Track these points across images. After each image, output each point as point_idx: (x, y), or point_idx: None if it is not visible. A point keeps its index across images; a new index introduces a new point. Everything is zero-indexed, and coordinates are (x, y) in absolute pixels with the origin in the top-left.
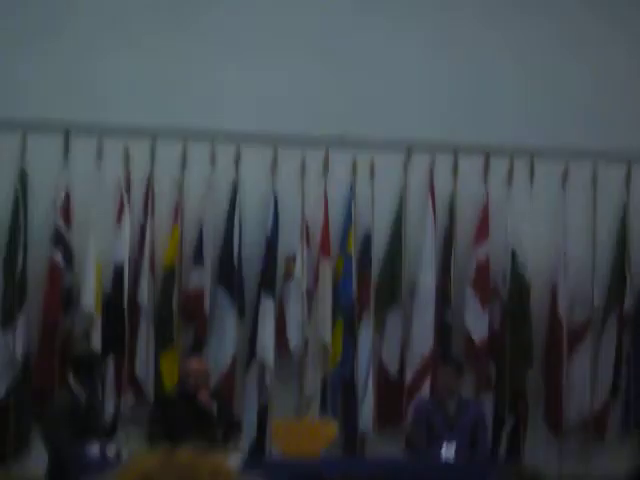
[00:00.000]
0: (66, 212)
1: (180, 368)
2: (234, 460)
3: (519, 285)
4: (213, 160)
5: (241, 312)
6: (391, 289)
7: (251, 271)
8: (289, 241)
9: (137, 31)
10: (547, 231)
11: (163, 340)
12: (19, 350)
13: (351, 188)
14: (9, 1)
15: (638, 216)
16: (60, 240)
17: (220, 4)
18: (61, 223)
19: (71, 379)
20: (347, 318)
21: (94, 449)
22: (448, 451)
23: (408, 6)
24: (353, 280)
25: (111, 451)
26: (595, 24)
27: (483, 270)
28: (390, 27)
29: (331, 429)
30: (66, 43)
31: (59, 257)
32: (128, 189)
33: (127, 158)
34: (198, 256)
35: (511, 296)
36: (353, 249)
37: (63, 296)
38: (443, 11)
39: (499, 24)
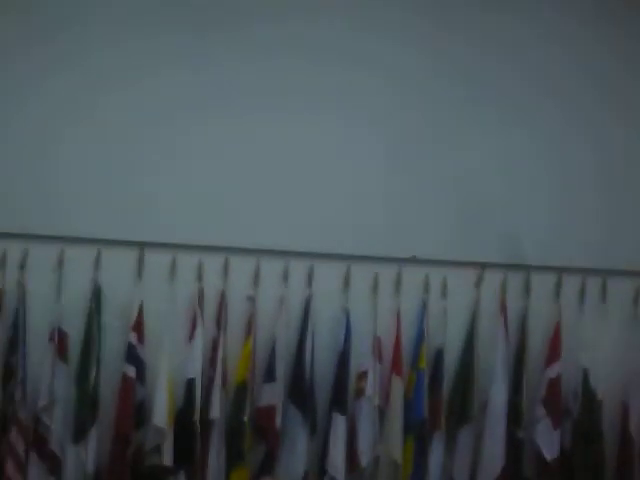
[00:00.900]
0: (139, 328)
1: None
2: None
3: (590, 404)
4: (286, 276)
5: (313, 428)
6: (463, 406)
7: (323, 386)
8: (361, 357)
9: (218, 155)
10: (619, 350)
11: (234, 455)
12: (91, 465)
13: (423, 304)
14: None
15: None
16: (133, 355)
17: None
18: (134, 339)
19: None
20: (418, 435)
21: None
22: None
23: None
24: (424, 396)
25: None
26: None
27: (555, 388)
28: (463, 154)
29: None
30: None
31: (132, 372)
32: (201, 304)
33: (200, 274)
34: (270, 372)
35: (582, 416)
36: (425, 365)
37: (135, 411)
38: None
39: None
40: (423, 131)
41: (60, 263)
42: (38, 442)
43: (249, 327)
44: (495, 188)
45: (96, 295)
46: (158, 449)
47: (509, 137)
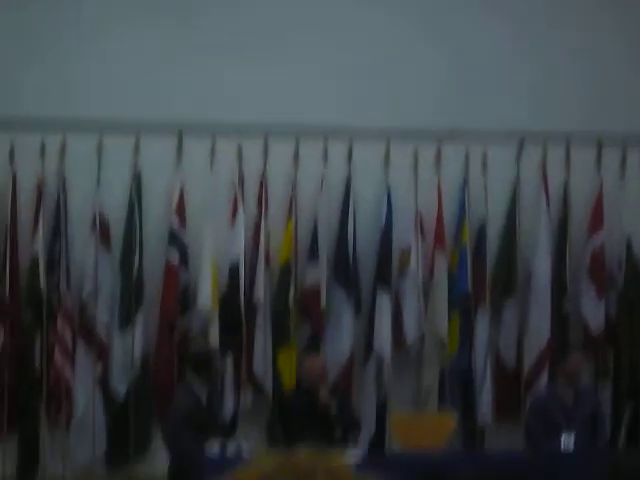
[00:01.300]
0: (181, 212)
1: (298, 366)
2: (352, 459)
3: (635, 273)
4: (326, 156)
5: (357, 307)
6: (507, 279)
7: (366, 265)
8: (403, 234)
9: (253, 35)
10: None
11: (280, 337)
12: (138, 350)
13: (464, 180)
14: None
15: None
16: (175, 240)
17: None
18: (176, 223)
19: (190, 378)
20: (463, 309)
21: (215, 448)
22: (567, 442)
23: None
24: (468, 271)
25: (231, 449)
26: None
27: (598, 259)
28: (509, 21)
29: (450, 422)
30: (179, 46)
31: (175, 257)
32: (242, 187)
33: (240, 156)
34: (313, 252)
35: (627, 284)
36: (468, 240)
37: (180, 295)
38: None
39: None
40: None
41: (99, 151)
42: (85, 330)
43: (290, 208)
44: (533, 56)
45: (136, 182)
46: (204, 334)
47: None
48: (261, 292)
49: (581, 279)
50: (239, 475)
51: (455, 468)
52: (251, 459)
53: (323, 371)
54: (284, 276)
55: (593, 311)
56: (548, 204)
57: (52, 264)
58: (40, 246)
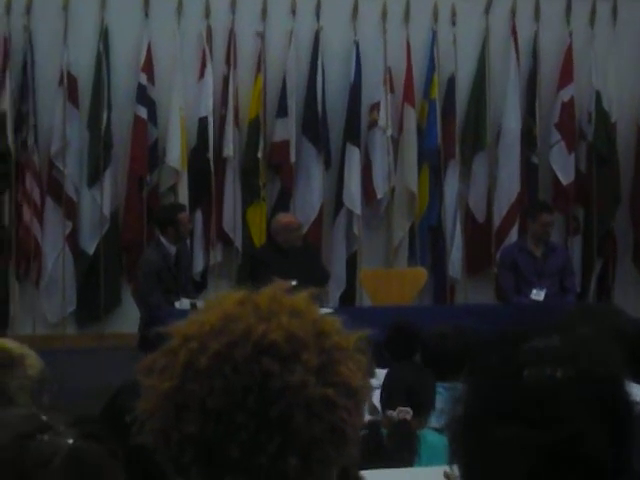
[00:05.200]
0: (148, 68)
1: (272, 223)
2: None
3: (604, 125)
4: (294, 9)
5: (327, 162)
6: (476, 134)
7: (335, 120)
8: (372, 89)
9: None
10: (631, 70)
11: (249, 192)
12: (107, 207)
13: (433, 33)
14: None
15: None
16: (144, 96)
17: None
18: (144, 79)
19: (159, 234)
20: (433, 164)
21: (185, 304)
22: (538, 297)
23: None
24: (438, 125)
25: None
26: None
27: (568, 112)
28: None
29: (420, 277)
30: None
31: (143, 113)
32: (210, 42)
33: (208, 10)
34: (282, 107)
35: (597, 137)
36: (437, 94)
37: (148, 152)
38: None
39: None
40: None
41: (65, 6)
42: (53, 188)
43: (259, 63)
44: None
45: (103, 37)
46: (173, 189)
47: None
48: (230, 147)
49: (551, 132)
50: (202, 316)
51: (425, 320)
52: (215, 299)
53: (298, 227)
54: (253, 131)
55: (563, 164)
56: (518, 57)
57: (20, 122)
58: (7, 104)
